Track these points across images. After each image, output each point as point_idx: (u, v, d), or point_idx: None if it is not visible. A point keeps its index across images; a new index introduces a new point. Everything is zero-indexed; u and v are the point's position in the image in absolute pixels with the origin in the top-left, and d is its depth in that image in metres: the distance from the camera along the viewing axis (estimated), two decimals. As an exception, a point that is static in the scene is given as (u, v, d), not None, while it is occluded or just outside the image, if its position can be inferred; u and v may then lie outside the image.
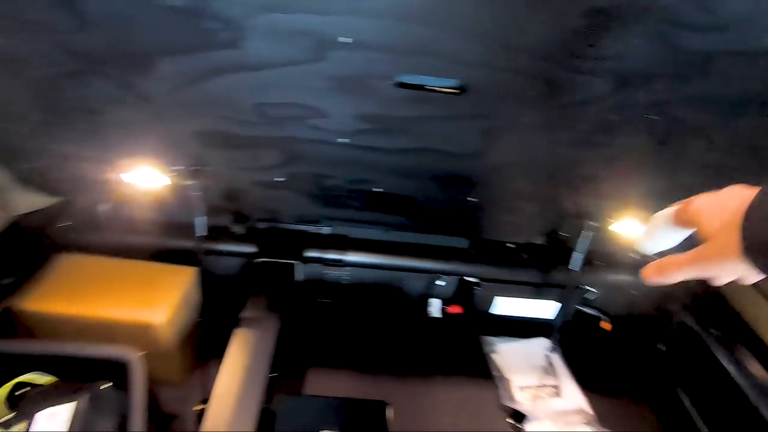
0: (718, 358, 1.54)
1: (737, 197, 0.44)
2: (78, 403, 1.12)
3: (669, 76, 0.90)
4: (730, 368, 1.50)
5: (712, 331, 1.62)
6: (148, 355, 1.47)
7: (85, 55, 0.95)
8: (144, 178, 1.31)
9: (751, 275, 0.44)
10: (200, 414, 1.44)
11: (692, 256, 0.47)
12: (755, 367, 1.48)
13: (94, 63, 0.96)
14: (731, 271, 0.44)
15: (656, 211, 1.42)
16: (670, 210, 0.55)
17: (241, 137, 1.16)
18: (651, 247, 0.59)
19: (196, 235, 1.33)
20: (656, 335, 1.97)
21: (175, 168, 1.29)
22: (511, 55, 0.89)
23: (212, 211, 1.55)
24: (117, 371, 1.24)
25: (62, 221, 1.62)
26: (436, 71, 0.95)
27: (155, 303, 1.49)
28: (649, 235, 0.59)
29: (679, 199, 1.40)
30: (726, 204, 0.46)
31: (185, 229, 1.75)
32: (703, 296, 1.77)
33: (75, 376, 1.23)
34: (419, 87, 0.97)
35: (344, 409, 1.29)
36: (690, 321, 1.72)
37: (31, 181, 1.50)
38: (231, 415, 1.21)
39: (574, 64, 0.90)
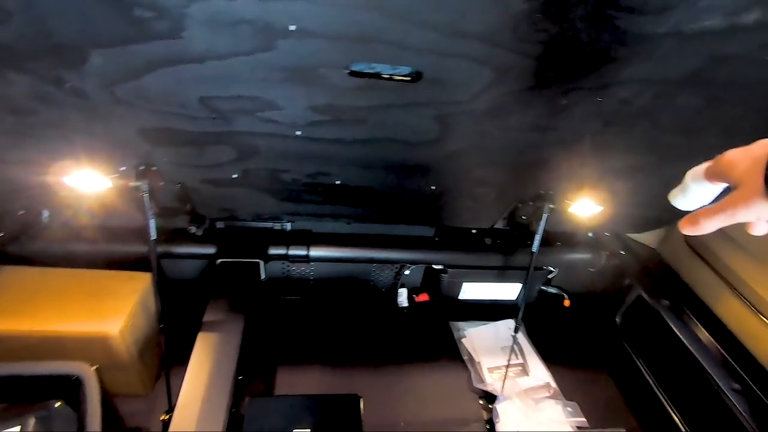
0: (670, 325, 1.64)
1: (764, 146, 0.48)
2: (25, 426, 1.05)
3: (613, 58, 0.92)
4: (680, 334, 1.60)
5: (663, 301, 1.72)
6: (106, 367, 1.40)
7: (4, 50, 0.86)
8: (86, 181, 1.23)
9: None
10: (166, 424, 1.39)
11: (723, 204, 0.51)
12: (701, 332, 1.58)
13: (16, 58, 0.88)
14: (759, 213, 0.48)
15: (609, 190, 1.47)
16: (702, 167, 0.57)
17: (189, 133, 1.11)
18: (685, 204, 0.61)
19: (150, 238, 1.26)
20: (613, 308, 2.07)
21: (120, 169, 1.22)
22: (459, 41, 0.89)
23: (165, 212, 1.48)
24: (68, 388, 1.17)
25: (1, 231, 1.50)
26: (388, 59, 0.93)
27: (108, 312, 1.41)
28: (682, 192, 0.60)
29: (629, 178, 1.46)
30: (754, 153, 0.49)
31: (139, 233, 1.67)
32: (654, 269, 1.87)
33: (24, 397, 1.15)
34: (372, 75, 0.95)
35: (316, 405, 1.27)
36: (643, 293, 1.81)
37: (-43, 190, 1.37)
38: (197, 421, 1.17)
39: (522, 48, 0.90)
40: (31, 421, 1.06)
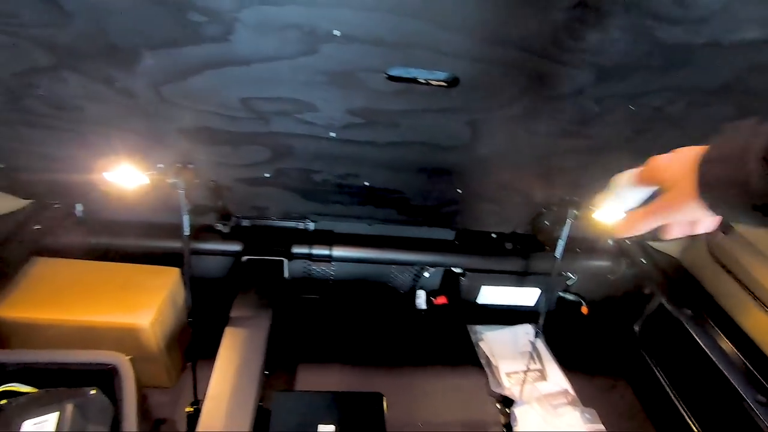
0: (692, 335, 1.63)
1: (692, 151, 0.53)
2: (64, 411, 1.09)
3: (648, 67, 0.94)
4: (703, 344, 1.59)
5: (686, 310, 1.71)
6: (135, 359, 1.44)
7: (61, 49, 0.91)
8: (124, 177, 1.27)
9: (706, 217, 0.53)
10: (191, 416, 1.42)
11: (655, 206, 0.55)
12: (724, 342, 1.57)
13: (72, 57, 0.92)
14: (690, 214, 0.52)
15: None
16: (631, 172, 0.63)
17: (227, 133, 1.14)
18: (616, 207, 0.66)
19: (183, 234, 1.29)
20: (632, 317, 2.07)
21: (158, 166, 1.26)
22: (497, 48, 0.91)
23: (197, 209, 1.52)
24: (102, 377, 1.20)
25: (37, 224, 1.55)
26: (426, 64, 0.96)
27: (139, 305, 1.45)
28: (614, 196, 0.65)
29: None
30: (683, 156, 0.54)
31: (168, 228, 1.71)
32: (675, 278, 1.86)
33: (57, 385, 1.18)
34: (410, 80, 0.98)
35: (340, 402, 1.30)
36: (665, 302, 1.81)
37: (2, 183, 1.42)
38: (226, 415, 1.19)
39: (558, 56, 0.92)
40: (69, 407, 1.09)
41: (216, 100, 1.03)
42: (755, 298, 1.54)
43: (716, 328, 1.62)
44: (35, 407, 1.10)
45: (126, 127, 1.13)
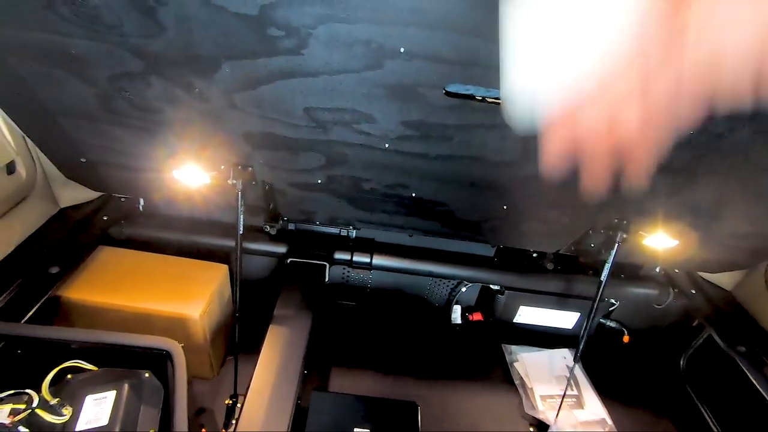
0: (747, 373, 1.54)
1: None
2: (121, 390, 1.17)
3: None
4: (757, 383, 1.50)
5: (739, 347, 1.62)
6: (183, 348, 1.52)
7: (151, 57, 1.00)
8: (189, 176, 1.37)
9: None
10: (229, 408, 1.48)
11: None
12: (782, 385, 1.48)
13: (159, 64, 1.02)
14: None
15: (687, 225, 1.42)
16: None
17: (288, 139, 1.21)
18: None
19: (238, 232, 1.37)
20: (677, 350, 1.98)
21: (220, 167, 1.35)
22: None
23: (250, 210, 1.60)
24: (155, 361, 1.28)
25: (104, 215, 1.68)
26: (484, 81, 0.98)
27: (191, 297, 1.53)
28: None
29: (711, 215, 1.41)
30: None
31: (219, 227, 1.81)
32: (727, 311, 1.77)
33: (113, 365, 1.27)
34: (467, 96, 1.01)
35: (376, 407, 1.32)
36: (715, 336, 1.72)
37: (78, 175, 1.56)
38: (267, 409, 1.24)
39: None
40: (126, 387, 1.17)
41: (282, 109, 1.10)
42: (818, 339, 1.45)
43: (773, 368, 1.53)
44: (96, 384, 1.18)
45: (197, 130, 1.22)
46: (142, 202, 1.81)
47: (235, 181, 1.33)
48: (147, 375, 1.25)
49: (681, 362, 1.96)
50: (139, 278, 1.58)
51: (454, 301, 2.11)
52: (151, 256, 1.70)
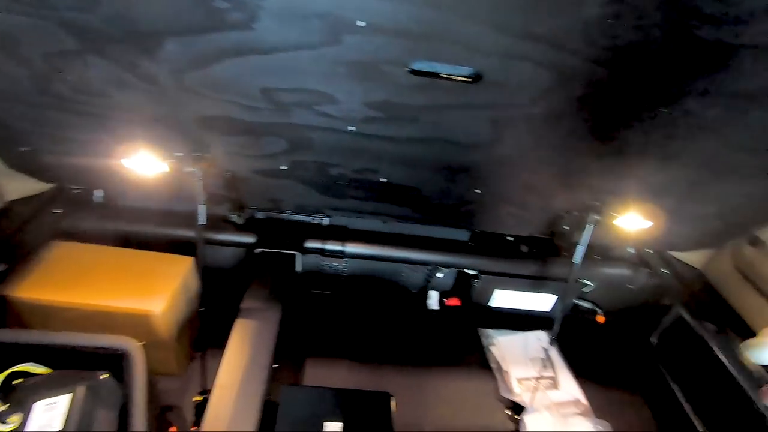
0: (714, 349, 1.57)
1: None
2: (76, 393, 1.10)
3: (686, 68, 0.90)
4: (726, 360, 1.53)
5: (708, 324, 1.65)
6: (146, 345, 1.44)
7: (87, 33, 0.91)
8: (143, 164, 1.28)
9: None
10: (199, 405, 1.42)
11: None
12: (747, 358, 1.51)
13: (97, 42, 0.93)
14: None
15: (659, 206, 1.43)
16: None
17: (246, 123, 1.14)
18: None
19: (198, 223, 1.30)
20: (649, 328, 2.01)
21: (177, 154, 1.26)
22: (527, 44, 0.88)
23: (213, 199, 1.52)
24: (113, 362, 1.21)
25: (56, 208, 1.57)
26: (451, 58, 0.93)
27: (153, 292, 1.46)
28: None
29: (682, 194, 1.40)
30: None
31: (184, 217, 1.72)
32: (697, 290, 1.80)
33: (69, 367, 1.20)
34: (433, 74, 0.96)
35: (348, 400, 1.28)
36: (686, 314, 1.75)
37: (23, 166, 1.45)
38: (234, 406, 1.19)
39: (590, 54, 0.89)
40: (82, 390, 1.10)
41: (237, 90, 1.03)
42: (783, 314, 1.48)
43: (739, 343, 1.55)
44: (48, 388, 1.11)
45: (148, 114, 1.14)
46: (98, 193, 1.70)
47: (193, 170, 1.26)
48: (104, 376, 1.18)
49: (653, 340, 1.99)
50: (97, 274, 1.49)
51: (431, 286, 2.09)
52: (109, 250, 1.60)
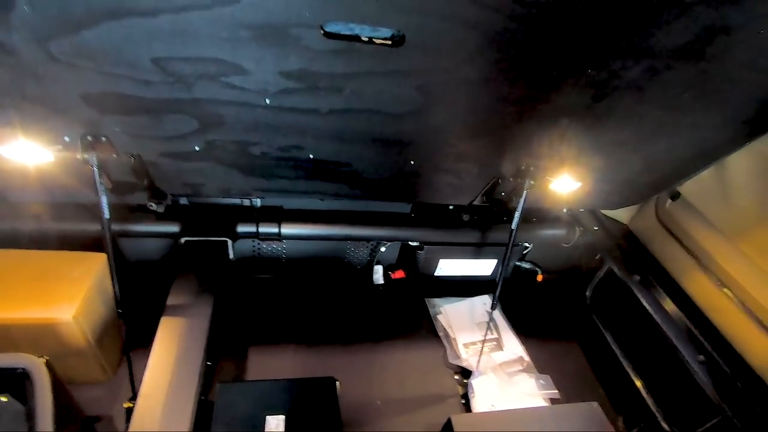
0: (639, 299, 1.68)
1: None
2: (-34, 424, 0.95)
3: (608, 27, 0.87)
4: (649, 307, 1.64)
5: (634, 276, 1.75)
6: (61, 355, 1.30)
7: None
8: (23, 153, 1.08)
9: None
10: (130, 411, 1.31)
11: None
12: (669, 306, 1.63)
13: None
14: None
15: (588, 167, 1.44)
16: None
17: (142, 100, 0.98)
18: None
19: (102, 215, 1.14)
20: (584, 283, 2.12)
21: (64, 139, 1.08)
22: (450, 1, 0.80)
23: (120, 188, 1.35)
24: (17, 381, 1.06)
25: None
26: (368, 18, 0.83)
27: (60, 297, 1.29)
28: None
29: (609, 154, 1.41)
30: None
31: (90, 210, 1.53)
32: (625, 244, 1.90)
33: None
34: (351, 37, 0.86)
35: (290, 390, 1.23)
36: (615, 267, 1.85)
37: None
38: (162, 411, 1.10)
39: (514, 12, 0.83)
40: (-27, 419, 0.96)
41: (121, 60, 0.87)
42: (700, 263, 1.59)
43: (662, 293, 1.67)
44: (-70, 422, 0.96)
45: (14, 93, 0.95)
46: (-20, 188, 1.46)
47: (86, 156, 1.09)
48: (4, 399, 1.03)
49: (587, 293, 2.11)
50: (-12, 282, 1.30)
51: (375, 261, 2.05)
52: (2, 252, 1.40)
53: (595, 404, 1.37)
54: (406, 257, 2.08)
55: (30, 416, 0.98)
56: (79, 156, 1.09)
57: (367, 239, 1.92)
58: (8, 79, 0.91)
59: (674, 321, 1.59)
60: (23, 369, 1.00)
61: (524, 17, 0.83)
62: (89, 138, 1.08)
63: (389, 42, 0.88)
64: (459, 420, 1.21)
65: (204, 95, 0.98)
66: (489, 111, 1.12)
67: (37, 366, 1.00)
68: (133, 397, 1.31)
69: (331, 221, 1.74)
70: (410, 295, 2.08)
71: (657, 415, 1.62)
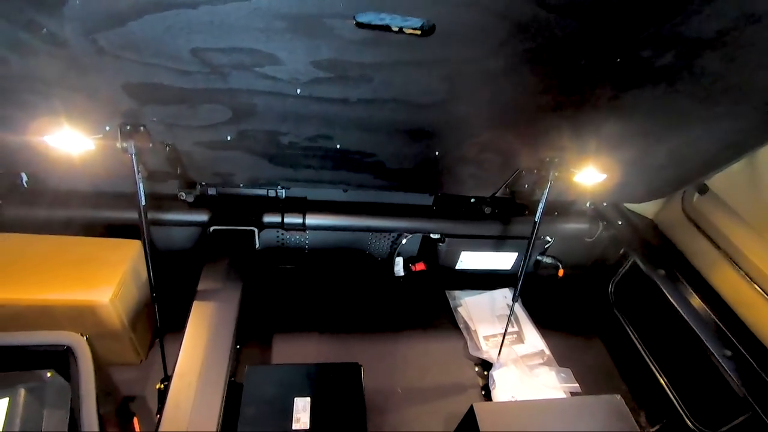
0: (665, 293, 1.65)
1: None
2: (16, 396, 1.01)
3: (639, 14, 0.87)
4: (675, 302, 1.62)
5: (659, 270, 1.73)
6: (98, 336, 1.36)
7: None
8: (67, 142, 1.14)
9: None
10: (161, 393, 1.36)
11: None
12: (695, 300, 1.61)
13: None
14: None
15: (614, 159, 1.43)
16: None
17: (180, 90, 1.02)
18: None
19: (138, 203, 1.19)
20: (607, 278, 2.09)
21: (105, 129, 1.13)
22: (479, -9, 0.82)
23: (155, 177, 1.40)
24: (58, 359, 1.13)
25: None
26: (399, 8, 0.85)
27: (98, 281, 1.35)
28: None
29: (635, 145, 1.40)
30: None
31: (129, 198, 1.59)
32: (650, 238, 1.88)
33: (10, 368, 1.10)
34: (381, 27, 0.88)
35: (316, 374, 1.26)
36: (639, 261, 1.83)
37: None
38: (195, 391, 1.14)
39: (543, 2, 0.84)
40: (21, 392, 1.01)
41: (162, 51, 0.91)
42: (728, 257, 1.56)
43: (688, 287, 1.64)
44: (-17, 393, 1.02)
45: (62, 83, 1.00)
46: (24, 177, 1.54)
47: (125, 145, 1.14)
48: (50, 375, 1.09)
49: (610, 288, 2.09)
50: (32, 265, 1.37)
51: (396, 253, 2.07)
52: (44, 238, 1.47)
53: (618, 397, 1.36)
54: (427, 250, 2.09)
55: (74, 390, 1.04)
56: (118, 145, 1.14)
57: (389, 231, 1.94)
58: (57, 70, 0.96)
59: (700, 315, 1.57)
60: (67, 345, 1.06)
61: (554, 5, 0.84)
62: (128, 127, 1.13)
63: (419, 32, 0.90)
64: (481, 408, 1.22)
65: (238, 85, 1.02)
66: (514, 101, 1.13)
67: (80, 343, 1.06)
68: (165, 379, 1.36)
69: (354, 212, 1.77)
70: (430, 287, 2.10)
71: (681, 411, 1.60)
